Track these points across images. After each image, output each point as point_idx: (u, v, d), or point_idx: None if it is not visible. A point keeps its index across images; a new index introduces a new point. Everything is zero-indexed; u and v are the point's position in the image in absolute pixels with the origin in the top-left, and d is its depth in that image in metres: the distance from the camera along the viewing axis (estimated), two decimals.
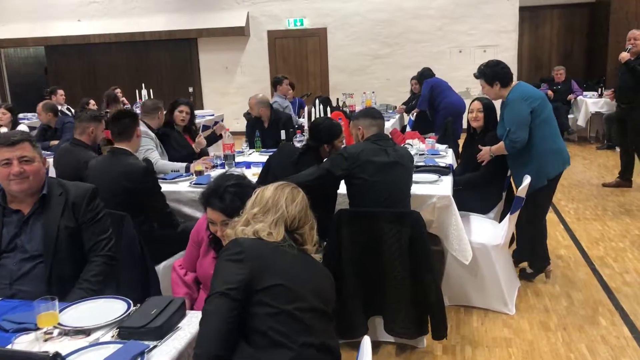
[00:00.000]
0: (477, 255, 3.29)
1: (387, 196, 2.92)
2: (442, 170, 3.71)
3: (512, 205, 3.31)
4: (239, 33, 10.81)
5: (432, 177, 3.56)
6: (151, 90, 7.90)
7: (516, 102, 3.51)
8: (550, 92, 8.79)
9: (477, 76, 3.69)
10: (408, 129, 7.35)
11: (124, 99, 8.46)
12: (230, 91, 11.32)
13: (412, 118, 7.41)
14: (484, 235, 3.42)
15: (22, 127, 5.99)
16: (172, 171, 4.10)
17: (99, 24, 11.32)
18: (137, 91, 7.81)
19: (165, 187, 3.68)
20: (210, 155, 4.53)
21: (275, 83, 7.06)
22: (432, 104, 7.17)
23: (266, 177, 3.25)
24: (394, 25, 10.49)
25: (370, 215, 2.82)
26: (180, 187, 3.68)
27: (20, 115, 9.57)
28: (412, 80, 8.10)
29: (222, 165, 4.17)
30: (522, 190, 3.25)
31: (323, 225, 3.09)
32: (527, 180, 3.32)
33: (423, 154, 4.23)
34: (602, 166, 7.32)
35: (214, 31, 10.88)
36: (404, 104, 8.21)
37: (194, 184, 3.67)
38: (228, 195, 2.11)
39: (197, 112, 8.63)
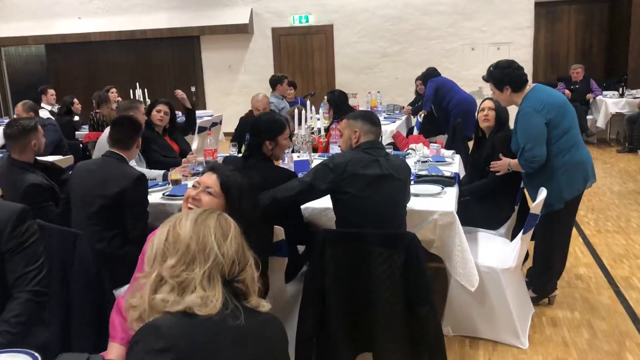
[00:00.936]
0: (485, 280, 2.87)
1: (379, 214, 2.52)
2: (446, 181, 3.29)
3: (525, 222, 2.88)
4: (243, 30, 10.45)
5: (435, 188, 3.15)
6: (146, 90, 7.54)
7: (528, 114, 3.04)
8: (567, 92, 8.30)
9: (485, 79, 3.25)
10: (415, 131, 6.94)
11: (119, 99, 8.13)
12: (234, 91, 10.96)
13: (420, 119, 6.98)
14: (492, 256, 2.99)
15: None
16: (148, 179, 3.73)
17: (100, 21, 11.02)
18: (131, 91, 7.45)
19: None
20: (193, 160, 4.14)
21: (274, 82, 6.67)
22: (440, 105, 6.77)
23: None
24: (404, 22, 10.06)
25: (358, 236, 2.41)
26: (152, 199, 3.29)
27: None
28: (417, 81, 7.67)
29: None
30: (536, 207, 2.83)
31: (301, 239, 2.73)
32: (542, 194, 2.89)
33: (426, 161, 3.80)
34: (624, 171, 6.83)
35: (216, 29, 10.55)
36: (409, 104, 7.78)
37: (167, 195, 3.29)
38: (238, 176, 2.02)
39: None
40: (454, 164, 3.92)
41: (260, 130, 2.78)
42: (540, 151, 3.02)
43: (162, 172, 3.75)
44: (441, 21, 9.92)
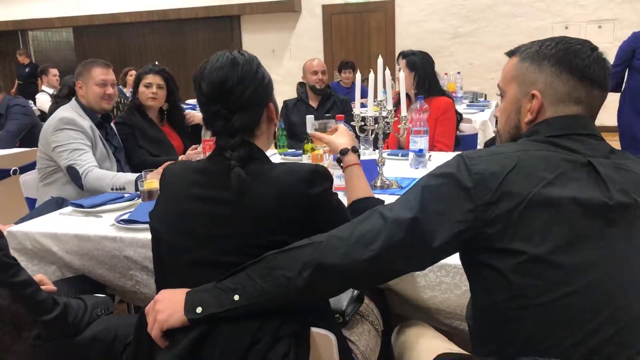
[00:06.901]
0: None
1: (608, 320, 0.92)
2: None
3: None
4: (289, 9, 9.05)
5: None
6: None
7: None
8: None
9: None
10: None
11: None
12: (278, 78, 9.50)
13: None
14: None
15: None
16: (112, 189, 2.26)
17: (130, 0, 9.82)
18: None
19: (67, 224, 1.84)
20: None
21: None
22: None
23: None
24: None
25: None
26: (97, 225, 1.80)
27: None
28: None
29: None
30: None
31: None
32: None
33: None
34: None
35: (259, 7, 9.18)
36: None
37: (120, 220, 1.77)
38: None
39: None
40: None
41: (247, 87, 1.19)
42: None
43: (134, 176, 2.25)
44: None
